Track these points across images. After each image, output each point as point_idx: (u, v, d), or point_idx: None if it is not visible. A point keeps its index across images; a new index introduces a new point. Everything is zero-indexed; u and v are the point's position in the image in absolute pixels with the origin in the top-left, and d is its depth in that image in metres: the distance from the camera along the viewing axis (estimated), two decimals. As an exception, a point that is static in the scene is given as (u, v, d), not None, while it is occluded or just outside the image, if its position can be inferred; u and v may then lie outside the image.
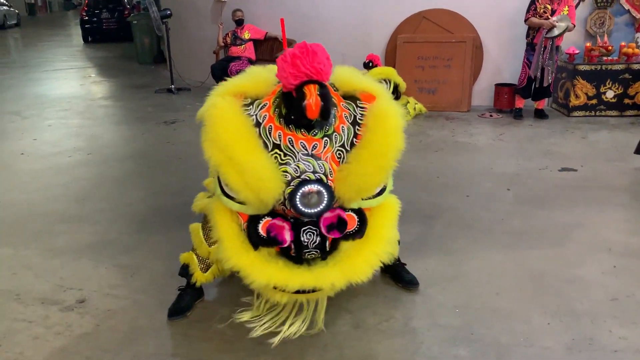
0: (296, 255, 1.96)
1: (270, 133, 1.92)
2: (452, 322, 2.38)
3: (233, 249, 1.97)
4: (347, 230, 1.95)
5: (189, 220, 2.67)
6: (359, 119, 1.99)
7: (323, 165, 1.91)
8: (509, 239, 3.16)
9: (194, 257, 2.44)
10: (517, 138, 5.30)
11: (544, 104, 6.15)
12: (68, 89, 8.57)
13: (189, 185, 3.79)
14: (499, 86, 6.36)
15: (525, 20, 5.80)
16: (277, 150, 1.91)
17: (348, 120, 1.99)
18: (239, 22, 7.43)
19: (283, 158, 1.90)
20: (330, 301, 2.52)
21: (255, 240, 1.95)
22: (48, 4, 44.89)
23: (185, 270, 2.48)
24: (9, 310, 2.51)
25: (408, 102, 6.27)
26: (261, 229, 1.93)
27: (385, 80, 6.04)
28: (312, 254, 1.96)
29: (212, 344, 2.27)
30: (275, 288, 2.00)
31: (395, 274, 2.69)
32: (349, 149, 1.95)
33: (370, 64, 6.25)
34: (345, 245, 2.01)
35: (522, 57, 5.97)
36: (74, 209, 3.67)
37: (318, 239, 1.93)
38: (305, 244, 1.92)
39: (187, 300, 2.50)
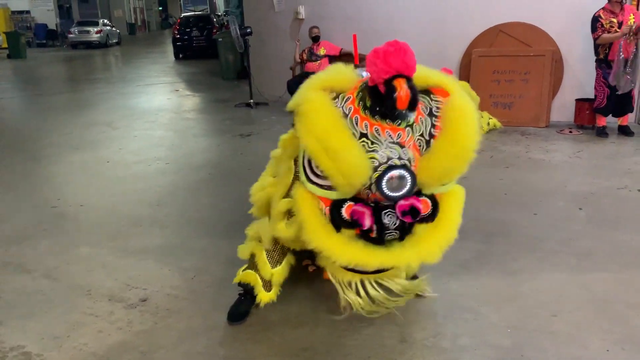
0: (378, 236, 2.08)
1: (357, 124, 2.04)
2: (502, 342, 2.31)
3: (316, 231, 2.10)
4: (421, 215, 2.06)
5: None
6: (434, 111, 2.08)
7: (407, 152, 2.02)
8: (575, 261, 3.00)
9: (258, 278, 2.54)
10: (597, 156, 5.03)
11: (627, 119, 5.79)
12: (156, 103, 9.12)
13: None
14: (580, 101, 6.07)
15: (596, 40, 5.53)
16: (364, 139, 2.02)
17: (425, 112, 2.08)
18: (315, 39, 7.60)
19: (371, 146, 2.01)
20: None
21: (338, 223, 2.08)
22: (147, 23, 47.99)
23: (246, 287, 2.58)
24: (80, 305, 2.72)
25: (482, 116, 6.12)
26: (344, 212, 2.06)
27: (458, 94, 5.96)
28: (393, 234, 2.08)
29: (259, 347, 2.34)
30: (353, 270, 2.14)
31: None
32: (427, 138, 2.06)
33: (443, 79, 6.17)
34: (419, 229, 2.12)
35: (597, 75, 5.68)
36: (148, 213, 3.91)
37: (398, 221, 2.05)
38: (387, 225, 2.05)
39: (246, 305, 2.61)
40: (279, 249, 2.54)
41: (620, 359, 2.18)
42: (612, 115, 5.76)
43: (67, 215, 3.91)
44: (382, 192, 1.99)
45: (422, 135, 2.06)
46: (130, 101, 9.35)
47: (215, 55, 12.77)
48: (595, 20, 5.50)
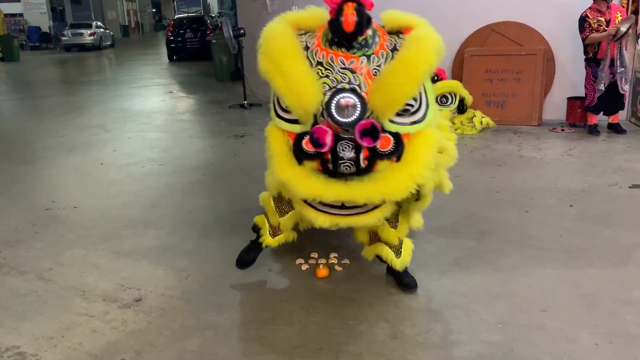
0: (333, 167, 2.20)
1: (315, 54, 2.22)
2: (492, 338, 2.33)
3: (281, 163, 2.28)
4: (382, 150, 2.16)
5: (247, 227, 2.97)
6: (398, 46, 2.21)
7: (358, 77, 2.14)
8: (566, 257, 3.04)
9: (266, 222, 2.79)
10: (588, 153, 5.07)
11: (618, 117, 5.83)
12: (150, 105, 9.12)
13: (249, 194, 3.92)
14: (572, 100, 6.11)
15: (585, 40, 5.58)
16: (319, 67, 2.19)
17: (388, 48, 2.22)
18: (309, 39, 7.61)
19: (323, 72, 2.17)
20: (371, 311, 2.57)
21: (299, 155, 2.24)
22: (140, 25, 47.95)
23: (256, 230, 2.83)
24: (74, 305, 2.73)
25: (474, 115, 6.16)
26: (305, 145, 2.20)
27: (450, 93, 6.02)
28: (347, 165, 2.19)
29: (252, 346, 2.36)
30: (311, 205, 2.36)
31: (396, 277, 2.75)
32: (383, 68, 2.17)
33: (436, 78, 6.21)
34: (381, 166, 2.20)
35: (586, 74, 5.73)
36: (141, 215, 3.92)
37: (353, 152, 2.16)
38: (341, 155, 2.16)
39: (252, 255, 2.90)
40: (285, 202, 2.70)
41: (609, 352, 2.21)
42: (604, 114, 5.81)
43: (61, 217, 3.91)
44: (331, 116, 2.11)
45: (379, 66, 2.17)
46: (124, 103, 9.35)
47: (209, 56, 12.77)
48: (583, 20, 5.54)
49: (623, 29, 5.30)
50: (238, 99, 8.52)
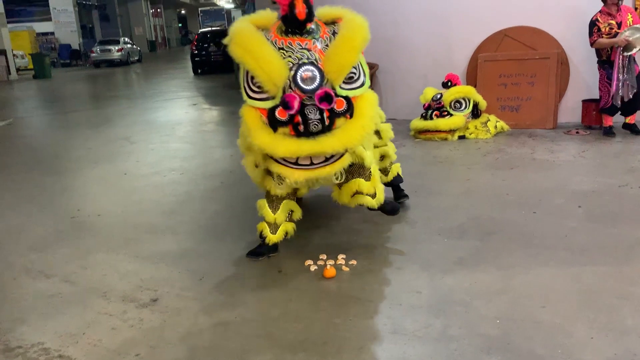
0: (304, 127, 2.74)
1: (275, 43, 2.79)
2: (490, 332, 2.41)
3: (258, 132, 2.79)
4: (338, 110, 2.76)
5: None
6: (336, 30, 2.85)
7: (313, 54, 2.76)
8: (569, 255, 3.09)
9: (265, 225, 3.24)
10: (602, 155, 5.08)
11: (635, 118, 5.81)
12: (174, 117, 9.39)
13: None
14: (586, 102, 6.12)
15: (592, 44, 5.60)
16: (282, 51, 2.76)
17: (330, 33, 2.87)
18: (325, 49, 7.77)
19: (285, 54, 2.74)
20: (374, 308, 2.68)
21: (274, 124, 2.77)
22: (167, 40, 48.98)
23: (261, 236, 3.27)
24: (95, 305, 2.90)
25: (489, 120, 6.21)
26: (278, 114, 2.74)
27: (464, 98, 6.09)
28: (315, 124, 2.75)
29: (261, 341, 2.48)
30: (286, 162, 2.88)
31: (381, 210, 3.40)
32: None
33: (449, 83, 6.30)
34: (339, 123, 2.79)
35: (600, 76, 5.73)
36: (161, 221, 4.10)
37: (318, 114, 2.74)
38: (310, 117, 2.72)
39: (263, 250, 3.29)
40: (275, 200, 3.23)
41: (604, 344, 2.26)
42: (621, 114, 5.79)
43: (85, 225, 4.12)
44: (298, 86, 2.70)
45: (326, 45, 2.79)
46: (149, 116, 9.65)
47: (232, 69, 13.03)
48: (592, 24, 5.56)
49: (638, 47, 5.28)
50: (258, 109, 8.69)
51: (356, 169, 3.17)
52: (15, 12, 31.38)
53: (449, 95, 6.14)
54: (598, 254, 3.07)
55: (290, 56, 2.74)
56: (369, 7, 7.58)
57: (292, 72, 2.70)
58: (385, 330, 2.48)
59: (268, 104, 2.80)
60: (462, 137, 6.10)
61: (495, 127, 6.20)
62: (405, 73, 7.42)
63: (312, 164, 2.92)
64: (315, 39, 2.80)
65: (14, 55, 21.24)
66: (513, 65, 6.44)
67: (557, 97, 6.31)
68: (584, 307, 2.55)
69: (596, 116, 6.00)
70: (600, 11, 5.60)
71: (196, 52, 18.56)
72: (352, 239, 3.55)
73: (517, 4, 6.51)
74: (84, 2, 32.38)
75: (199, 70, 18.53)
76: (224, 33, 13.50)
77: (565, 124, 6.40)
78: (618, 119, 5.86)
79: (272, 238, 3.23)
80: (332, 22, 2.91)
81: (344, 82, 2.82)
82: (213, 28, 25.15)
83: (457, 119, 6.05)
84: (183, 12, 57.12)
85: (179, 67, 22.46)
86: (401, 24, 7.31)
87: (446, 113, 6.11)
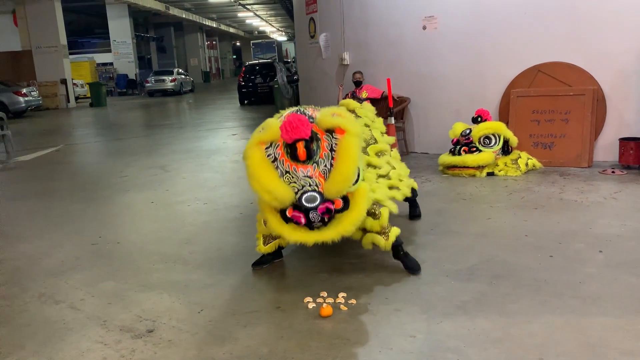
0: (309, 226, 3.18)
1: (283, 164, 3.13)
2: (479, 383, 2.30)
3: (275, 222, 3.24)
4: (337, 209, 3.12)
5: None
6: (334, 146, 3.13)
7: (314, 180, 3.10)
8: (579, 304, 2.93)
9: (260, 236, 3.71)
10: (635, 197, 4.84)
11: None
12: (211, 146, 9.61)
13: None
14: (624, 140, 5.86)
15: None
16: (287, 174, 3.11)
17: (328, 149, 3.14)
18: (357, 84, 7.83)
19: (291, 179, 3.11)
20: (364, 352, 2.61)
21: (285, 219, 3.19)
22: (221, 71, 50.61)
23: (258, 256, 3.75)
24: (93, 333, 2.95)
25: (519, 157, 6.05)
26: (288, 213, 3.15)
27: (494, 134, 5.97)
28: (318, 225, 3.17)
29: (242, 380, 2.45)
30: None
31: (402, 262, 3.56)
32: (329, 167, 3.11)
33: (479, 119, 6.20)
34: (337, 215, 3.18)
35: None
36: (174, 251, 4.16)
37: (319, 216, 3.12)
38: (313, 220, 3.13)
39: (268, 258, 3.75)
40: (269, 237, 3.70)
41: (598, 405, 2.12)
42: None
43: (104, 252, 4.23)
44: (303, 206, 3.10)
45: (325, 166, 3.12)
46: (189, 145, 9.91)
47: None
48: None
49: None
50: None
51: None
52: (79, 44, 33.30)
53: (478, 130, 6.02)
54: (610, 305, 2.90)
55: (294, 181, 3.09)
56: (402, 42, 7.63)
57: (297, 196, 3.09)
58: (369, 376, 2.41)
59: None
60: (491, 174, 5.95)
61: (527, 164, 6.02)
62: (437, 108, 7.36)
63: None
64: (315, 162, 3.11)
65: (73, 84, 22.42)
66: (546, 102, 6.27)
67: (592, 134, 6.08)
68: (583, 362, 2.40)
69: (634, 155, 5.74)
70: None
71: (243, 83, 19.06)
72: (357, 276, 3.49)
73: (551, 39, 6.37)
74: (142, 35, 33.99)
75: (246, 101, 18.98)
76: (271, 65, 13.98)
77: (602, 162, 6.15)
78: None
79: (261, 248, 3.68)
80: (331, 131, 3.15)
81: None
82: (261, 60, 25.79)
83: (486, 155, 5.92)
84: (238, 44, 59.01)
85: (228, 98, 23.05)
86: (434, 59, 7.29)
87: (475, 149, 5.99)
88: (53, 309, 3.28)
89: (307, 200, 3.10)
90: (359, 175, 3.24)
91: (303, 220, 3.13)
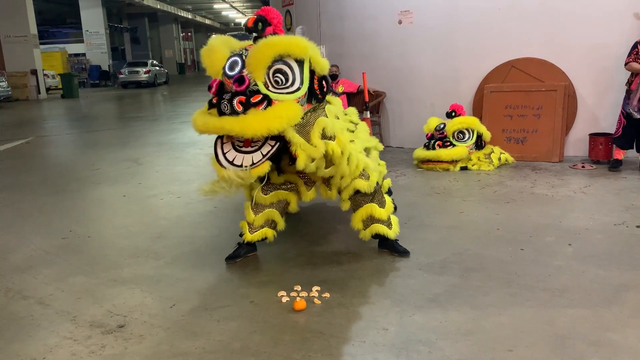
0: (217, 105, 2.90)
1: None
2: (450, 375, 2.32)
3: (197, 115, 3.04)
4: (252, 102, 2.84)
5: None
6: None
7: (248, 51, 2.98)
8: (548, 296, 2.98)
9: (246, 224, 3.65)
10: (603, 191, 4.94)
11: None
12: (186, 139, 9.50)
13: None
14: (594, 136, 5.98)
15: (625, 65, 5.47)
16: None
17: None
18: (333, 77, 7.82)
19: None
20: (337, 344, 2.61)
21: (210, 105, 2.97)
22: (196, 63, 50.01)
23: (241, 235, 3.69)
24: (62, 329, 2.90)
25: (492, 151, 6.13)
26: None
27: (467, 129, 6.02)
28: (225, 105, 2.86)
29: (214, 374, 2.43)
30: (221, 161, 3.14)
31: (390, 248, 3.66)
32: None
33: (453, 114, 6.25)
34: (251, 112, 2.86)
35: (620, 106, 5.60)
36: (146, 245, 4.11)
37: (230, 96, 2.87)
38: (224, 96, 2.89)
39: (241, 252, 3.69)
40: (259, 206, 3.62)
41: (565, 395, 2.16)
42: (637, 151, 5.65)
43: (73, 246, 4.15)
44: (224, 72, 2.94)
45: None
46: (162, 138, 9.78)
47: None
48: (634, 46, 5.44)
49: None
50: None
51: (369, 194, 3.49)
52: (50, 34, 32.58)
53: (452, 125, 6.08)
54: (579, 296, 2.96)
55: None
56: (378, 37, 7.64)
57: (224, 62, 2.98)
58: (341, 370, 2.41)
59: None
60: (464, 168, 6.01)
61: (499, 159, 6.10)
62: (412, 102, 7.40)
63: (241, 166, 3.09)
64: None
65: (44, 75, 21.92)
66: (519, 97, 6.36)
67: (563, 130, 6.19)
68: (551, 354, 2.44)
69: (604, 150, 5.87)
70: None
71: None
72: (331, 269, 3.50)
73: (525, 35, 6.45)
74: (116, 25, 33.38)
75: (221, 94, 18.76)
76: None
77: (573, 157, 6.27)
78: (630, 155, 5.71)
79: (247, 236, 3.61)
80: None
81: (272, 86, 2.94)
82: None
83: (460, 149, 5.98)
84: (214, 35, 58.35)
85: (203, 90, 22.73)
86: (409, 53, 7.32)
87: (449, 143, 6.05)
88: (21, 305, 3.21)
89: (231, 66, 2.94)
90: (297, 91, 3.01)
91: (214, 85, 2.98)
